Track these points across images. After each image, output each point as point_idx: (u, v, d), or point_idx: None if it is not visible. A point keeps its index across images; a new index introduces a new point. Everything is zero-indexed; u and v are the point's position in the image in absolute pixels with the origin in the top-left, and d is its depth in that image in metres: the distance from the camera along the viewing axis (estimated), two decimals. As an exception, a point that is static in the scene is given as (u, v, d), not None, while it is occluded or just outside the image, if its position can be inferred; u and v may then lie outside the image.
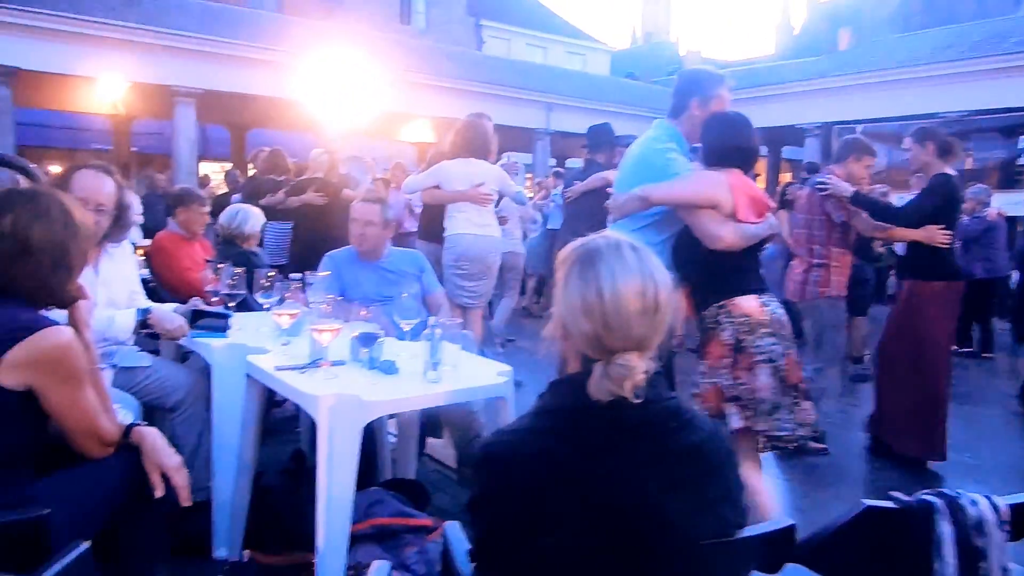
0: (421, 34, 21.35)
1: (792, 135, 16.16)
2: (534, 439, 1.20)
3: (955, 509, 1.31)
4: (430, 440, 3.54)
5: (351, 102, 10.96)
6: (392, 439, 3.21)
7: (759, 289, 2.59)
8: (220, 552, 2.51)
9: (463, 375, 2.31)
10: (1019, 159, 12.08)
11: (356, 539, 2.15)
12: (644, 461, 1.16)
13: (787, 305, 2.86)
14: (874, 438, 4.13)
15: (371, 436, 2.82)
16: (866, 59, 16.29)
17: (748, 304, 2.53)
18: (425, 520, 2.31)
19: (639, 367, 1.16)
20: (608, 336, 1.18)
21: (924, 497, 1.34)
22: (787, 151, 19.07)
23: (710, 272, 2.58)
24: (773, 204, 2.82)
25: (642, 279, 1.19)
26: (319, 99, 10.87)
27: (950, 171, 3.91)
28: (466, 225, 4.44)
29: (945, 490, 1.35)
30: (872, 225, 3.95)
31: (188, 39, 12.50)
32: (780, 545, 1.25)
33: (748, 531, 1.22)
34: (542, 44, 28.64)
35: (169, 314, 2.70)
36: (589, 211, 4.49)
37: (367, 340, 2.31)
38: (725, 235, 2.49)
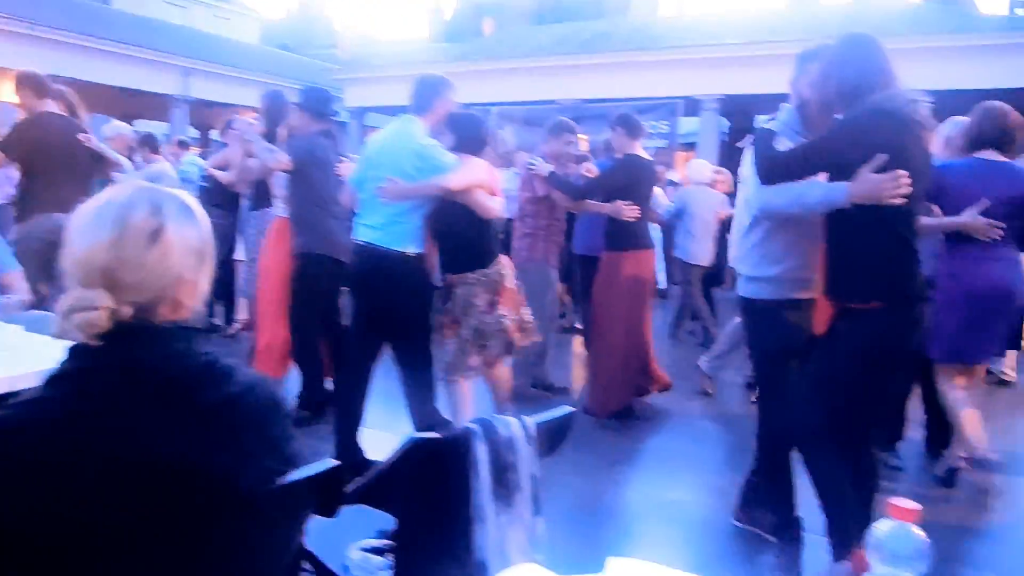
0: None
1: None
2: (39, 409, 1.05)
3: (490, 432, 1.47)
4: None
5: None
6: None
7: None
8: None
9: (20, 359, 1.99)
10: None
11: None
12: (172, 419, 1.08)
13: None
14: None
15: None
16: (503, 47, 17.76)
17: (507, 260, 3.56)
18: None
19: (101, 303, 1.07)
20: (75, 269, 1.08)
21: (466, 425, 1.49)
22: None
23: (479, 239, 3.38)
24: None
25: (127, 207, 1.10)
26: None
27: (640, 152, 4.33)
28: None
29: (486, 417, 1.52)
30: (567, 200, 4.41)
31: None
32: (329, 487, 1.28)
33: (291, 476, 1.22)
34: (182, 4, 25.98)
35: None
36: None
37: None
38: (495, 207, 3.31)
